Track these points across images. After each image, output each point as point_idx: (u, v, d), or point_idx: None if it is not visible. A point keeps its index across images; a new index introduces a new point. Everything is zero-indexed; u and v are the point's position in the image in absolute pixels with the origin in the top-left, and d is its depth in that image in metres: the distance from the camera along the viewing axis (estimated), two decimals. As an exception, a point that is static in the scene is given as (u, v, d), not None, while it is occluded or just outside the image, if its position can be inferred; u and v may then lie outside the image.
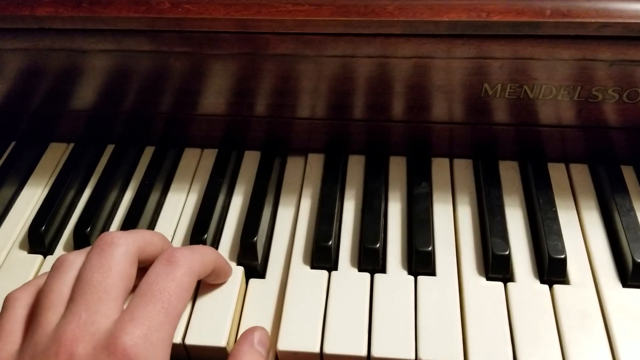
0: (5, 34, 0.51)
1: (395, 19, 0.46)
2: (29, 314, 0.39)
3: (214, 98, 0.57)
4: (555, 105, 0.52)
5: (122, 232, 0.41)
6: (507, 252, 0.49)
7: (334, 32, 0.48)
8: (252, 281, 0.50)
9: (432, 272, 0.49)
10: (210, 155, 0.61)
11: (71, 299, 0.37)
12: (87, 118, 0.61)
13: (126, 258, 0.39)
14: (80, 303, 0.37)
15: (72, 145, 0.63)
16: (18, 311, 0.39)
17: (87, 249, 0.41)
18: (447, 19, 0.45)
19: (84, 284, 0.38)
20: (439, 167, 0.58)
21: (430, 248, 0.49)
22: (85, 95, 0.58)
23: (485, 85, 0.51)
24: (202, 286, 0.48)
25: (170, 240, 0.53)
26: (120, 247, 0.39)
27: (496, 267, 0.49)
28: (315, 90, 0.55)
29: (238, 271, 0.49)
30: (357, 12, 0.47)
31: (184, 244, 0.53)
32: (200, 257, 0.43)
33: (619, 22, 0.44)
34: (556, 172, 0.57)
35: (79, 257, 0.40)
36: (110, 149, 0.62)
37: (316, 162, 0.60)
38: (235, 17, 0.47)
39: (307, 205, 0.56)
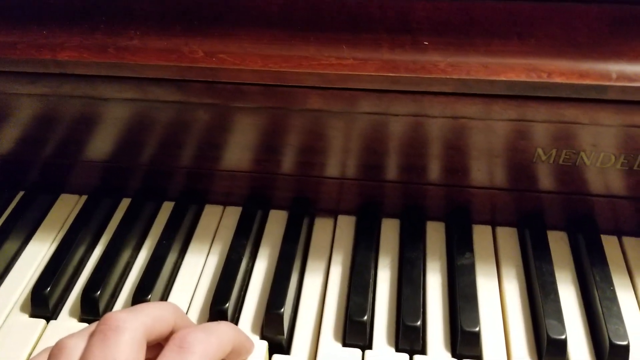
0: (24, 78, 0.48)
1: (448, 77, 0.42)
2: None
3: (239, 153, 0.53)
4: (612, 174, 0.48)
5: (128, 311, 0.36)
6: (564, 337, 0.44)
7: (380, 89, 0.44)
8: (275, 357, 0.45)
9: (478, 355, 0.44)
10: (232, 214, 0.56)
11: None
12: (102, 169, 0.57)
13: (132, 345, 0.34)
14: None
15: (84, 197, 0.59)
16: None
17: (89, 329, 0.36)
18: (504, 79, 0.42)
19: None
20: (481, 236, 0.54)
21: (477, 328, 0.44)
22: (102, 145, 0.54)
23: (539, 150, 0.47)
24: (222, 364, 0.43)
25: (187, 308, 0.48)
26: (126, 332, 0.35)
27: (552, 352, 0.44)
28: (351, 148, 0.51)
29: (261, 347, 0.45)
30: (405, 68, 0.43)
31: (203, 311, 0.48)
32: (216, 340, 0.38)
33: (692, 89, 0.41)
34: (609, 245, 0.52)
35: (80, 342, 0.35)
36: (125, 202, 0.58)
37: (347, 225, 0.55)
38: (273, 69, 0.44)
39: (337, 272, 0.51)
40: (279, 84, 0.45)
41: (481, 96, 0.44)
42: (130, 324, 0.35)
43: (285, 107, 0.49)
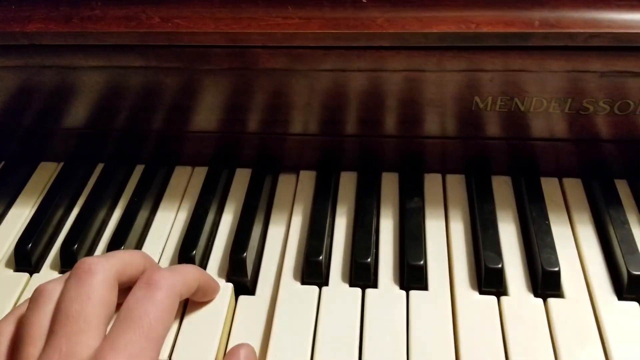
0: (-4, 51, 0.51)
1: (385, 31, 0.46)
2: (11, 347, 0.38)
3: (205, 115, 0.57)
4: (546, 118, 0.52)
5: (100, 257, 0.40)
6: (499, 266, 0.48)
7: (324, 45, 0.48)
8: (241, 298, 0.49)
9: (424, 286, 0.49)
10: (201, 174, 0.60)
11: (51, 331, 0.36)
12: (77, 136, 0.60)
13: (104, 285, 0.38)
14: (61, 335, 0.36)
15: (62, 164, 0.62)
16: (1, 348, 0.38)
17: (66, 276, 0.40)
18: (436, 31, 0.45)
19: (62, 315, 0.37)
20: (432, 183, 0.57)
21: (422, 262, 0.49)
22: (76, 113, 0.58)
23: (476, 98, 0.51)
24: (190, 304, 0.47)
25: (158, 258, 0.52)
26: (98, 274, 0.38)
27: (489, 280, 0.48)
28: (307, 105, 0.54)
29: (227, 288, 0.48)
30: (346, 24, 0.47)
31: (173, 261, 0.52)
32: (181, 277, 0.42)
33: (608, 32, 0.44)
34: (549, 186, 0.56)
35: (57, 286, 0.39)
36: (100, 167, 0.61)
37: (308, 179, 0.59)
38: (224, 30, 0.47)
39: (298, 222, 0.55)
40: (231, 44, 0.49)
41: (418, 49, 0.48)
42: (102, 266, 0.39)
43: (244, 68, 0.52)
